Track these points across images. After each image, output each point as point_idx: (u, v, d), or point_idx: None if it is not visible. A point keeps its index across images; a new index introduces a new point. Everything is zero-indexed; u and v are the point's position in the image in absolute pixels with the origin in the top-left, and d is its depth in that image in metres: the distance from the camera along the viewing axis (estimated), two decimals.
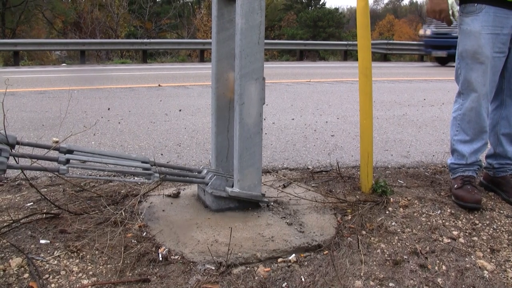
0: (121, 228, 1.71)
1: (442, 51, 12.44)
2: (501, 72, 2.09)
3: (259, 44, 1.76)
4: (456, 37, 2.08)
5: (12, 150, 1.58)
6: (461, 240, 1.80)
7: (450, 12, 2.01)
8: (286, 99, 5.65)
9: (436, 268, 1.62)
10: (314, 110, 4.85)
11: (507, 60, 2.07)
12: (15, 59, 13.51)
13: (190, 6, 28.11)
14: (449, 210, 2.01)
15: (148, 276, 1.48)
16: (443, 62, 13.33)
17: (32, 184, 2.05)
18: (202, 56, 15.62)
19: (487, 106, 2.09)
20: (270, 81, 7.26)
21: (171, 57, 17.05)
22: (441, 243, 1.77)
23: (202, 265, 1.53)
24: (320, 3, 36.13)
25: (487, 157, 2.28)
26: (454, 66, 2.15)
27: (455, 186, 2.12)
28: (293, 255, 1.62)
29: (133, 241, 1.66)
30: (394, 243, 1.75)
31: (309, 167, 2.73)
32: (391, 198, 2.07)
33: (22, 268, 1.48)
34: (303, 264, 1.59)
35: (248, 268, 1.54)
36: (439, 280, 1.56)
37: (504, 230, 1.90)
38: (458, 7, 2.04)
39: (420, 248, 1.72)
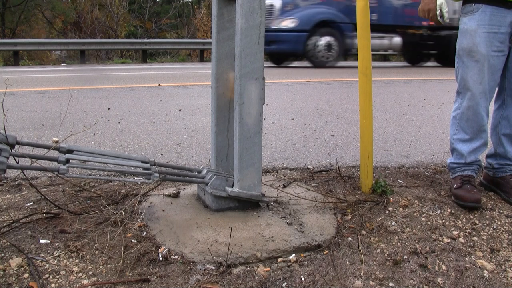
0: (121, 228, 1.71)
1: None
2: (502, 72, 2.10)
3: (259, 44, 1.76)
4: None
5: (12, 150, 1.58)
6: (461, 240, 1.81)
7: (438, 12, 2.04)
8: (286, 99, 5.65)
9: (436, 268, 1.63)
10: (314, 110, 4.85)
11: (508, 60, 2.08)
12: (15, 59, 13.51)
13: (190, 6, 28.09)
14: (449, 210, 2.01)
15: (148, 276, 1.48)
16: (277, 61, 11.50)
17: (32, 184, 2.05)
18: (202, 56, 15.63)
19: (486, 105, 2.09)
20: (270, 81, 7.26)
21: (171, 57, 17.05)
22: (441, 243, 1.77)
23: (202, 265, 1.53)
24: None
25: (488, 156, 2.28)
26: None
27: (455, 185, 2.12)
28: (293, 255, 1.62)
29: (133, 241, 1.66)
30: (394, 243, 1.76)
31: (309, 167, 2.73)
32: (391, 198, 2.07)
33: (22, 268, 1.48)
34: (303, 264, 1.59)
35: (248, 268, 1.54)
36: (439, 280, 1.57)
37: (504, 230, 1.90)
38: (447, 8, 2.06)
39: (420, 248, 1.72)
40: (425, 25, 12.00)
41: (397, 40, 11.44)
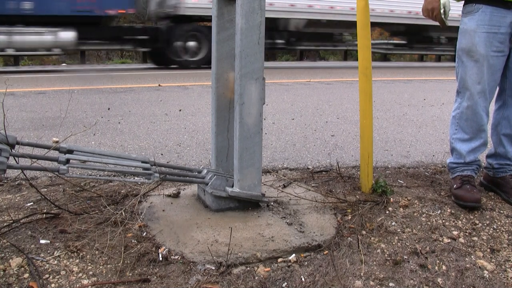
0: (121, 228, 1.71)
1: None
2: (503, 72, 2.10)
3: (259, 44, 1.76)
4: None
5: (12, 150, 1.58)
6: (461, 240, 1.81)
7: (442, 11, 2.03)
8: (286, 99, 5.65)
9: (436, 268, 1.63)
10: (314, 110, 4.85)
11: (508, 60, 2.08)
12: (15, 59, 13.49)
13: None
14: (449, 210, 2.01)
15: (148, 276, 1.48)
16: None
17: (32, 184, 2.05)
18: None
19: (485, 105, 2.09)
20: (270, 81, 7.26)
21: None
22: (441, 243, 1.77)
23: (202, 265, 1.53)
24: None
25: (488, 156, 2.28)
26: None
27: (454, 186, 2.12)
28: (293, 255, 1.62)
29: (133, 241, 1.66)
30: (394, 243, 1.76)
31: (309, 167, 2.73)
32: (391, 198, 2.07)
33: (22, 268, 1.48)
34: (303, 264, 1.59)
35: (248, 268, 1.54)
36: (439, 280, 1.57)
37: (504, 230, 1.90)
38: (450, 7, 2.06)
39: (420, 248, 1.72)
40: (112, 14, 9.63)
41: (68, 35, 9.07)
